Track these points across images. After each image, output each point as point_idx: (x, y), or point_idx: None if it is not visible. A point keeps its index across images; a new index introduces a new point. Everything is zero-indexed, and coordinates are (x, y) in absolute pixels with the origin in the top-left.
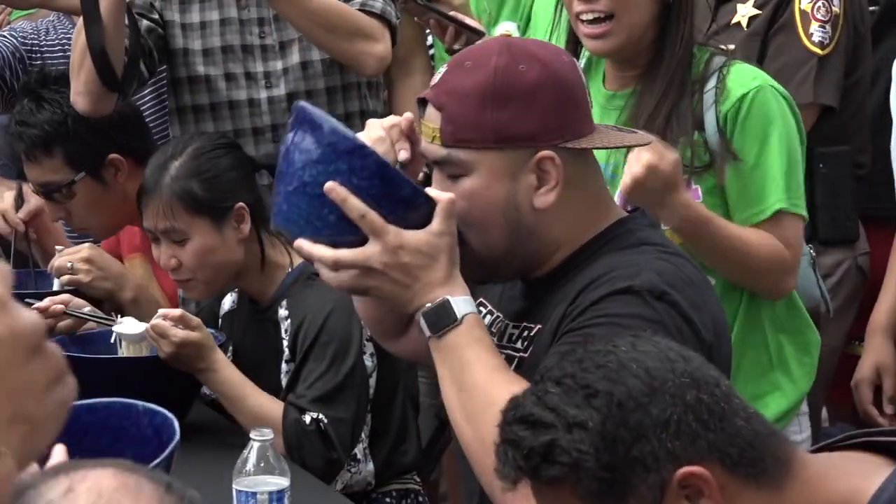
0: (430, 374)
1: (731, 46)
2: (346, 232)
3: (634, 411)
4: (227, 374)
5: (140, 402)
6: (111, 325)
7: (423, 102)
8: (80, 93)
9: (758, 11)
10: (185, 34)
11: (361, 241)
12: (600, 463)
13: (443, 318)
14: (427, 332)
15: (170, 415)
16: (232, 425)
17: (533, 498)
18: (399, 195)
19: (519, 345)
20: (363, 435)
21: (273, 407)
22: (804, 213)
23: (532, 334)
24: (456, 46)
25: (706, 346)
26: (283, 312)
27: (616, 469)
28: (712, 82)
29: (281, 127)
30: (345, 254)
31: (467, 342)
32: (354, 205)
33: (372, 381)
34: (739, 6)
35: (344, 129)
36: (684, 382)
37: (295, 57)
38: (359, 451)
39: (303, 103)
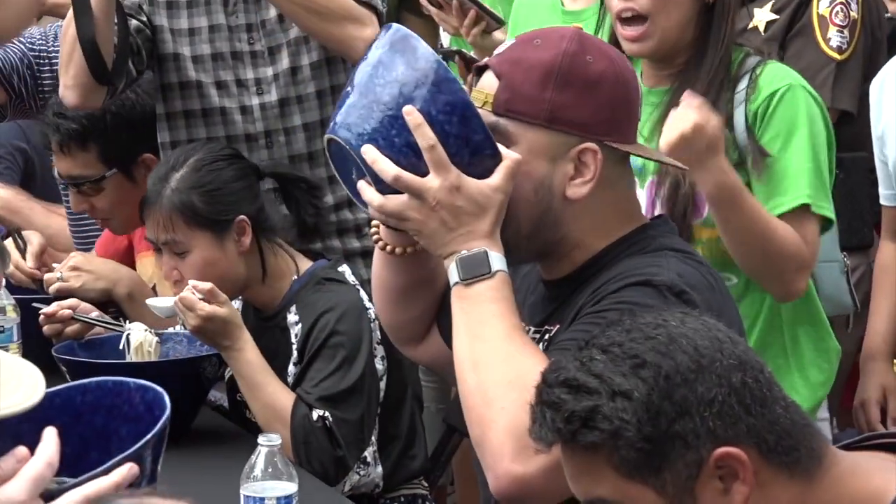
0: (437, 378)
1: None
2: (408, 159)
3: (681, 386)
4: (251, 356)
5: (131, 379)
6: (120, 331)
7: (479, 70)
8: (70, 86)
9: (775, 16)
10: (174, 39)
11: (419, 172)
12: (641, 434)
13: (477, 267)
14: (456, 278)
15: (160, 389)
16: (239, 430)
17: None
18: (471, 139)
19: (540, 348)
20: (373, 438)
21: (286, 399)
22: (829, 214)
23: (551, 335)
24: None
25: None
26: (292, 318)
27: (656, 442)
28: (744, 82)
29: (274, 133)
30: (406, 175)
31: (494, 296)
32: (427, 134)
33: (382, 385)
34: (757, 11)
35: (437, 58)
36: (731, 364)
37: (284, 62)
38: (369, 453)
39: (399, 25)
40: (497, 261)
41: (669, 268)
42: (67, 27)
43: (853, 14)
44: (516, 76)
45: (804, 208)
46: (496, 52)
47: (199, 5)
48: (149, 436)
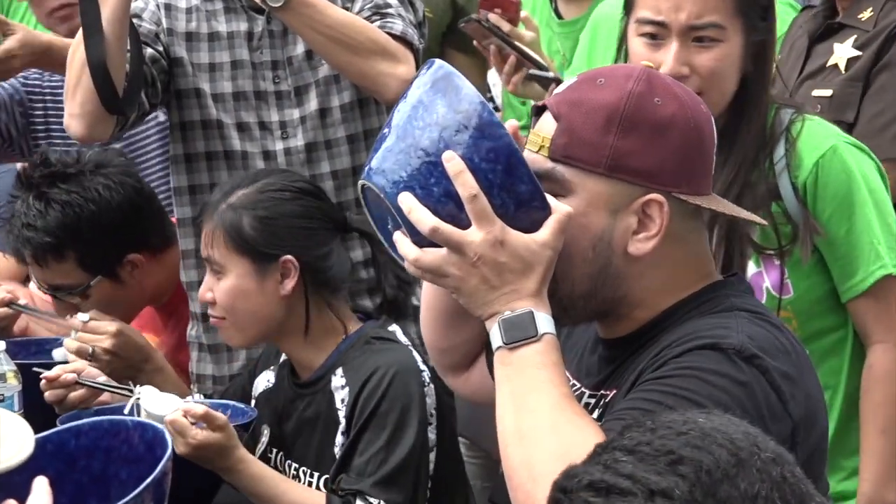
0: (482, 454)
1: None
2: (448, 209)
3: (722, 482)
4: (255, 471)
5: (128, 418)
6: (129, 396)
7: (538, 111)
8: (75, 115)
9: (858, 53)
10: (195, 74)
11: (460, 225)
12: None
13: (522, 330)
14: (499, 341)
15: (160, 427)
16: None
17: None
18: (517, 189)
19: (595, 415)
20: None
21: (312, 499)
22: None
23: (607, 401)
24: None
25: (794, 423)
26: (338, 381)
27: None
28: (781, 146)
29: None
30: (446, 227)
31: (542, 362)
32: (468, 182)
33: (432, 457)
34: (837, 46)
35: (482, 100)
36: (769, 458)
37: (312, 104)
38: None
39: (441, 62)
40: (544, 322)
41: (739, 329)
42: (75, 50)
43: None
44: (576, 119)
45: (888, 279)
46: (556, 90)
47: (221, 39)
48: (150, 478)
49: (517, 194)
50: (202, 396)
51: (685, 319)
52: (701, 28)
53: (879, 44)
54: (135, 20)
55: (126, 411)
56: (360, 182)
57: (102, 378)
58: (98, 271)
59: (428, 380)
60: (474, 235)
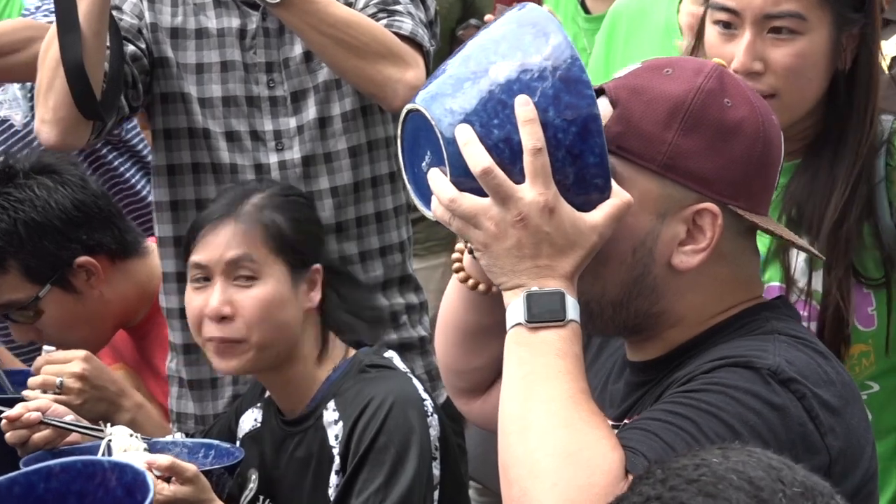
0: (492, 501)
1: None
2: (501, 158)
3: None
4: None
5: (105, 458)
6: (99, 437)
7: (597, 93)
8: (48, 120)
9: None
10: (180, 75)
11: (511, 178)
12: None
13: (549, 311)
14: (520, 317)
15: (140, 468)
16: None
17: None
18: (584, 159)
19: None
20: None
21: None
22: None
23: None
24: None
25: (831, 457)
26: (330, 416)
27: None
28: (882, 159)
29: None
30: (500, 172)
31: (563, 350)
32: (537, 134)
33: (435, 496)
34: (883, 43)
35: (575, 52)
36: (796, 493)
37: (311, 112)
38: None
39: (533, 4)
40: (573, 308)
41: (777, 353)
42: (48, 47)
43: None
44: (635, 107)
45: None
46: (616, 74)
47: (210, 36)
48: None
49: (582, 165)
50: (183, 436)
51: (718, 343)
52: (778, 17)
53: None
54: (114, 13)
55: (100, 454)
56: (408, 107)
57: (70, 417)
58: (46, 279)
59: (431, 410)
60: (526, 192)
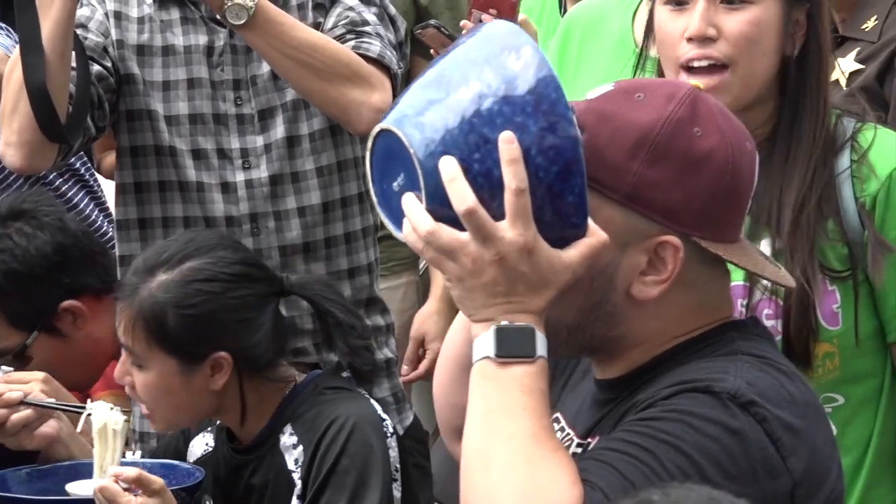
0: None
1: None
2: (479, 193)
3: None
4: None
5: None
6: (79, 412)
7: None
8: (12, 143)
9: (860, 66)
10: (147, 92)
11: (491, 206)
12: None
13: (518, 347)
14: (488, 351)
15: None
16: None
17: None
18: (563, 198)
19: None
20: None
21: None
22: None
23: (590, 450)
24: None
25: (794, 480)
26: (288, 440)
27: None
28: (846, 154)
29: (261, 217)
30: (484, 212)
31: (529, 386)
32: (521, 175)
33: None
34: (840, 61)
35: (561, 89)
36: None
37: (279, 130)
38: None
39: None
40: (542, 345)
41: (738, 374)
42: (12, 69)
43: None
44: (602, 134)
45: None
46: (589, 94)
47: (177, 53)
48: None
49: (561, 203)
50: (140, 456)
51: (684, 362)
52: None
53: (888, 55)
54: (80, 31)
55: (78, 429)
56: (384, 126)
57: (50, 400)
58: (32, 327)
59: (391, 432)
60: (506, 233)
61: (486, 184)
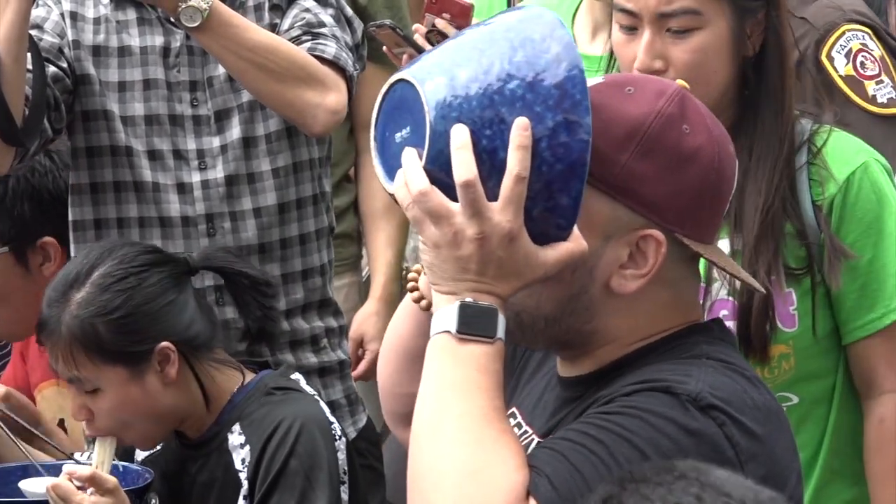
0: None
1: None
2: (480, 167)
3: None
4: None
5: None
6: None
7: None
8: None
9: None
10: (103, 93)
11: (486, 185)
12: None
13: (480, 326)
14: (448, 325)
15: None
16: None
17: None
18: (557, 197)
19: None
20: None
21: None
22: None
23: None
24: None
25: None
26: (236, 439)
27: None
28: (803, 156)
29: (217, 217)
30: (480, 189)
31: (485, 366)
32: (526, 163)
33: None
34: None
35: (586, 92)
36: None
37: (235, 131)
38: None
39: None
40: (502, 328)
41: (701, 378)
42: None
43: (875, 52)
44: (592, 125)
45: None
46: None
47: (133, 54)
48: None
49: (555, 202)
50: (89, 456)
51: (649, 363)
52: (672, 15)
53: None
54: (35, 32)
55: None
56: (406, 77)
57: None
58: (7, 241)
59: (339, 434)
60: (495, 215)
61: (488, 162)
